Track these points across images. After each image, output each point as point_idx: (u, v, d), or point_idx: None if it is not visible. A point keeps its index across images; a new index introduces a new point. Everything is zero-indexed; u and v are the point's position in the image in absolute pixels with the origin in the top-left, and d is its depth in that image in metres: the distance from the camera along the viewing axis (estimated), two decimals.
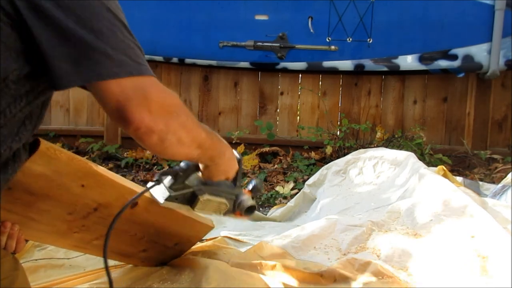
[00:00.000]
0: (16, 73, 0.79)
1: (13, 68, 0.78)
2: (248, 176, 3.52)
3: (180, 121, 0.89)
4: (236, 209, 1.33)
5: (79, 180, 1.06)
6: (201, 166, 1.19)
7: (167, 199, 1.18)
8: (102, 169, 1.13)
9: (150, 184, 1.18)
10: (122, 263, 1.56)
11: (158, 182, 1.18)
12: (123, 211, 1.08)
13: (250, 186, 1.39)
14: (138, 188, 1.23)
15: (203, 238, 1.78)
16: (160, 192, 1.18)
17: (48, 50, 0.77)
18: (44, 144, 0.95)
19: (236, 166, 1.24)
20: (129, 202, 1.12)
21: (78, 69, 0.78)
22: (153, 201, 1.25)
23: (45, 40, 0.77)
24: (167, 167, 3.62)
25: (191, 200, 1.23)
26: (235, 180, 1.31)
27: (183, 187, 1.20)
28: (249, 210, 1.36)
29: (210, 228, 1.57)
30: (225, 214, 1.33)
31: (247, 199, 1.34)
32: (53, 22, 0.77)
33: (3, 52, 0.77)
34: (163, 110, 0.85)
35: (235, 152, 1.24)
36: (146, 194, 1.18)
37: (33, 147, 0.94)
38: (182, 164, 1.20)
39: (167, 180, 1.19)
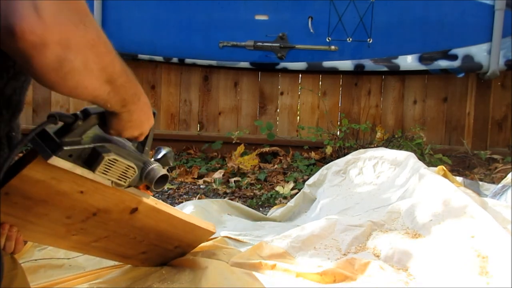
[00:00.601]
0: None
1: None
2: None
3: (88, 38, 0.65)
4: (144, 179, 1.06)
5: (78, 187, 1.02)
6: (109, 116, 0.88)
7: (58, 155, 0.87)
8: None
9: (32, 133, 0.85)
10: (122, 263, 1.56)
11: (42, 130, 0.86)
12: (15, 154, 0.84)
13: (159, 156, 1.14)
14: (139, 193, 1.14)
15: None
16: (47, 144, 0.87)
17: None
18: None
19: (152, 120, 0.97)
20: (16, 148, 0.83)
21: None
22: (153, 207, 1.22)
23: None
24: None
25: (90, 159, 0.93)
26: (143, 143, 1.06)
27: (80, 141, 0.90)
28: (160, 181, 1.08)
29: (211, 233, 1.57)
30: (129, 185, 1.06)
31: (157, 168, 1.07)
32: None
33: None
34: (61, 15, 0.61)
35: None
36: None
37: (32, 154, 0.91)
38: (80, 111, 0.91)
39: (59, 129, 0.88)
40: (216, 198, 3.04)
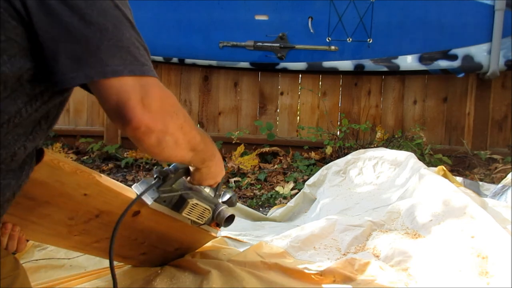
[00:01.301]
0: (31, 72, 0.79)
1: (27, 67, 0.79)
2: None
3: (179, 123, 0.88)
4: (215, 218, 1.32)
5: (82, 189, 1.04)
6: (191, 168, 1.19)
7: (156, 201, 1.16)
8: (106, 179, 1.11)
9: (138, 186, 1.16)
10: (122, 263, 1.56)
11: (148, 184, 1.16)
12: (123, 217, 1.08)
13: (225, 198, 1.38)
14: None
15: None
16: (149, 193, 1.15)
17: (52, 46, 0.77)
18: (48, 155, 0.94)
19: (224, 172, 1.23)
20: (128, 208, 1.10)
21: (81, 66, 0.77)
22: (155, 211, 1.23)
23: (50, 37, 0.77)
24: (166, 167, 3.62)
25: (177, 204, 1.22)
26: (215, 188, 1.32)
27: (171, 190, 1.19)
28: (228, 221, 1.34)
29: (212, 237, 1.57)
30: (204, 222, 1.32)
31: (226, 209, 1.33)
32: (58, 18, 0.76)
33: (16, 51, 0.77)
34: (162, 111, 0.84)
35: None
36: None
37: (37, 156, 0.93)
38: (171, 166, 1.19)
39: (156, 181, 1.17)
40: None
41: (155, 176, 1.18)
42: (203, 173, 1.16)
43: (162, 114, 0.84)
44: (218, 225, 1.37)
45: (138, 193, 1.13)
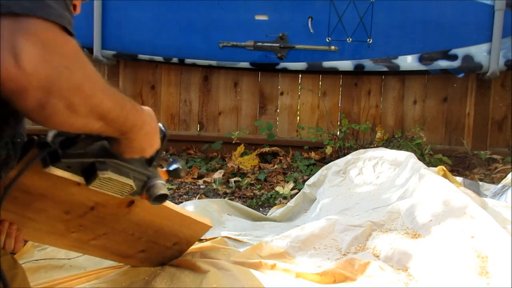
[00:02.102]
0: None
1: None
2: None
3: (74, 81, 0.66)
4: (145, 192, 1.11)
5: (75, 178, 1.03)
6: (109, 138, 0.92)
7: (55, 165, 0.92)
8: None
9: (36, 141, 0.92)
10: (122, 263, 1.56)
11: (44, 142, 0.91)
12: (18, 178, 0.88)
13: (171, 167, 1.19)
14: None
15: (202, 238, 1.78)
16: (49, 154, 0.92)
17: None
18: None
19: (158, 144, 1.00)
20: (25, 167, 0.89)
21: None
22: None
23: None
24: None
25: (87, 172, 0.97)
26: (151, 159, 1.10)
27: (82, 154, 0.95)
28: (158, 199, 1.12)
29: (208, 227, 1.57)
30: (125, 197, 1.11)
31: (159, 185, 1.11)
32: None
33: None
34: (44, 61, 0.62)
35: (160, 125, 1.02)
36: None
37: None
38: None
39: (60, 140, 0.92)
40: (216, 198, 3.04)
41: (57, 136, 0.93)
42: (123, 144, 0.90)
43: (42, 67, 0.62)
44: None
45: (38, 153, 0.91)
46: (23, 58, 0.60)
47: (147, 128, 0.90)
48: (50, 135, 0.91)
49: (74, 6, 1.09)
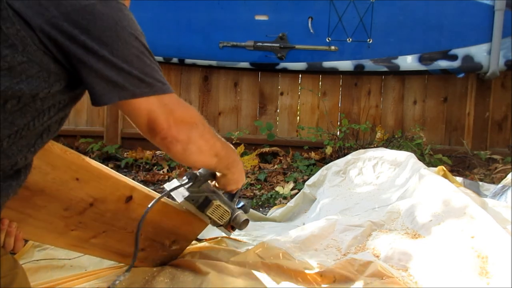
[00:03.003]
0: (46, 91, 0.89)
1: (44, 87, 0.88)
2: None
3: (200, 132, 1.04)
4: (232, 221, 1.45)
5: (74, 173, 1.08)
6: (218, 174, 1.32)
7: (185, 198, 1.33)
8: (95, 163, 1.15)
9: (170, 185, 1.33)
10: (122, 264, 1.56)
11: (179, 184, 1.31)
12: (154, 204, 1.22)
13: (240, 205, 1.51)
14: (132, 182, 1.28)
15: (202, 238, 1.78)
16: (179, 192, 1.32)
17: (92, 72, 0.90)
18: None
19: (245, 178, 1.37)
20: (159, 198, 1.25)
21: (116, 89, 0.91)
22: (147, 195, 1.29)
23: (89, 65, 0.89)
24: (167, 167, 3.62)
25: (203, 204, 1.38)
26: (233, 195, 1.45)
27: (198, 190, 1.35)
28: (243, 224, 1.47)
29: (205, 224, 1.57)
30: (221, 225, 1.45)
31: (241, 214, 1.46)
32: (93, 52, 0.89)
33: (35, 72, 0.87)
34: (185, 123, 1.01)
35: None
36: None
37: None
38: (200, 170, 1.34)
39: (185, 181, 1.32)
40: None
41: (186, 177, 1.33)
42: (228, 178, 1.31)
43: (185, 126, 1.01)
44: (233, 228, 1.50)
45: (169, 190, 1.30)
46: (176, 124, 0.99)
47: (241, 164, 1.31)
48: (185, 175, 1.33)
49: None
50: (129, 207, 1.25)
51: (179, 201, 1.33)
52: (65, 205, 1.12)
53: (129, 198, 1.24)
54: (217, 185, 1.38)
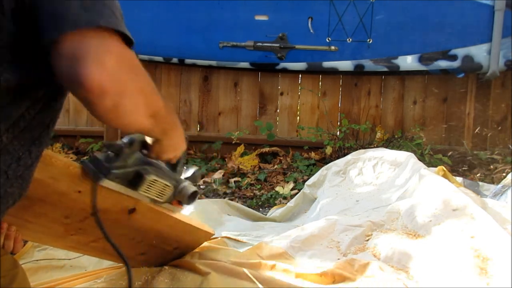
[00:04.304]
0: (33, 76, 0.80)
1: (28, 72, 0.79)
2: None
3: (139, 85, 0.79)
4: (177, 195, 1.22)
5: (76, 186, 1.04)
6: (149, 140, 1.06)
7: (108, 178, 1.04)
8: None
9: (88, 163, 1.04)
10: (121, 264, 1.56)
11: (95, 158, 1.03)
12: (95, 199, 1.04)
13: (188, 174, 1.29)
14: (134, 194, 1.16)
15: None
16: (99, 170, 1.04)
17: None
18: None
19: (185, 145, 1.11)
20: (94, 190, 1.04)
21: (56, 22, 0.73)
22: (151, 207, 1.23)
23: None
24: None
25: (134, 180, 1.10)
26: (176, 164, 1.20)
27: (125, 165, 1.07)
28: (191, 198, 1.23)
29: (210, 234, 1.57)
30: (165, 200, 1.22)
31: (188, 185, 1.23)
32: None
33: (21, 60, 0.78)
34: (121, 69, 0.75)
35: None
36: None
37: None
38: (125, 139, 1.07)
39: (108, 156, 1.05)
40: (216, 198, 3.04)
41: (106, 150, 1.06)
42: (164, 144, 1.03)
43: (120, 73, 0.75)
44: (181, 203, 1.27)
45: (88, 170, 1.03)
46: (107, 67, 0.73)
47: (180, 127, 1.03)
48: (97, 153, 1.04)
49: None
50: (131, 218, 1.22)
51: (100, 183, 1.04)
52: (66, 213, 1.10)
53: (132, 210, 1.20)
54: (150, 154, 1.09)
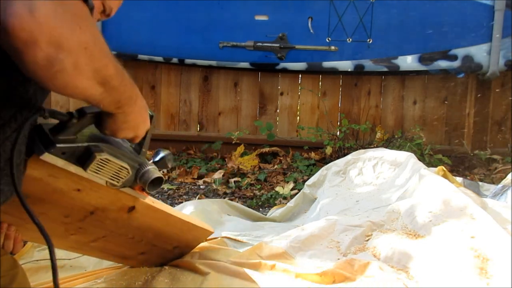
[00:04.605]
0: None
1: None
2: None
3: (82, 39, 0.66)
4: (138, 181, 1.08)
5: (75, 184, 1.03)
6: (104, 114, 0.89)
7: (50, 152, 0.89)
8: None
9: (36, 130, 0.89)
10: (121, 264, 1.56)
11: (37, 126, 0.89)
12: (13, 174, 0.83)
13: (157, 158, 1.15)
14: (134, 194, 1.14)
15: None
16: (41, 141, 0.89)
17: None
18: None
19: (148, 123, 0.98)
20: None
21: None
22: (151, 206, 1.22)
23: None
24: None
25: (82, 158, 0.95)
26: (140, 144, 1.07)
27: (74, 139, 0.93)
28: (154, 183, 1.10)
29: (209, 233, 1.57)
30: (123, 185, 1.08)
31: (153, 170, 1.09)
32: None
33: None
34: (57, 17, 0.63)
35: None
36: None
37: (28, 153, 0.90)
38: (77, 110, 0.92)
39: (53, 126, 0.91)
40: (216, 198, 3.04)
41: (40, 111, 0.87)
42: (118, 120, 0.88)
43: (55, 21, 0.63)
44: (143, 190, 1.13)
45: (29, 141, 0.88)
46: (37, 9, 0.61)
47: (140, 102, 0.89)
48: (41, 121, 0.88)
49: (110, 10, 1.04)
50: (131, 216, 1.22)
51: (40, 156, 0.89)
52: (65, 212, 1.10)
53: (131, 208, 1.19)
54: (104, 130, 0.92)
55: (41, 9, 0.61)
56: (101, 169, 0.98)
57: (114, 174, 1.02)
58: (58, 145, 0.89)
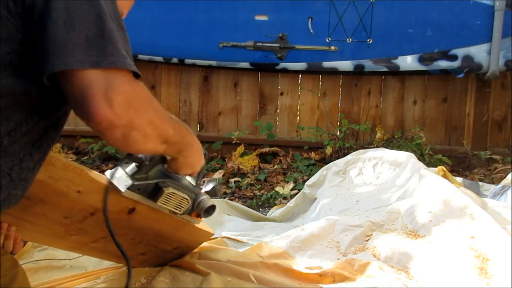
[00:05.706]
0: (39, 82, 0.81)
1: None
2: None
3: (147, 118, 0.85)
4: (195, 208, 1.29)
5: (75, 186, 1.05)
6: (168, 157, 1.15)
7: (129, 188, 1.12)
8: (97, 175, 1.12)
9: (112, 173, 1.12)
10: (121, 264, 1.56)
11: (123, 171, 1.12)
12: (106, 205, 1.07)
13: (208, 188, 1.36)
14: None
15: None
16: (122, 180, 1.12)
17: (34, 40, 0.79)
18: None
19: (203, 161, 1.19)
20: (105, 196, 1.08)
21: (48, 57, 0.77)
22: (150, 207, 1.23)
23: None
24: None
25: (153, 192, 1.19)
26: (196, 178, 1.29)
27: (146, 177, 1.16)
28: (208, 211, 1.31)
29: (210, 234, 1.57)
30: (183, 212, 1.29)
31: (206, 199, 1.30)
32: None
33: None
34: (128, 105, 0.80)
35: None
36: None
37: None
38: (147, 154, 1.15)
39: (130, 168, 1.13)
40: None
41: (130, 162, 1.14)
42: (179, 162, 1.11)
43: (127, 109, 0.80)
44: (199, 216, 1.34)
45: (111, 180, 1.10)
46: (115, 103, 0.78)
47: (196, 146, 1.12)
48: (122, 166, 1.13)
49: (121, 13, 1.10)
50: (131, 218, 1.22)
51: (121, 192, 1.12)
52: (66, 213, 1.10)
53: (132, 210, 1.21)
54: (168, 169, 1.18)
55: (117, 102, 0.78)
56: (168, 201, 1.21)
57: (177, 204, 1.24)
58: (134, 183, 1.12)
